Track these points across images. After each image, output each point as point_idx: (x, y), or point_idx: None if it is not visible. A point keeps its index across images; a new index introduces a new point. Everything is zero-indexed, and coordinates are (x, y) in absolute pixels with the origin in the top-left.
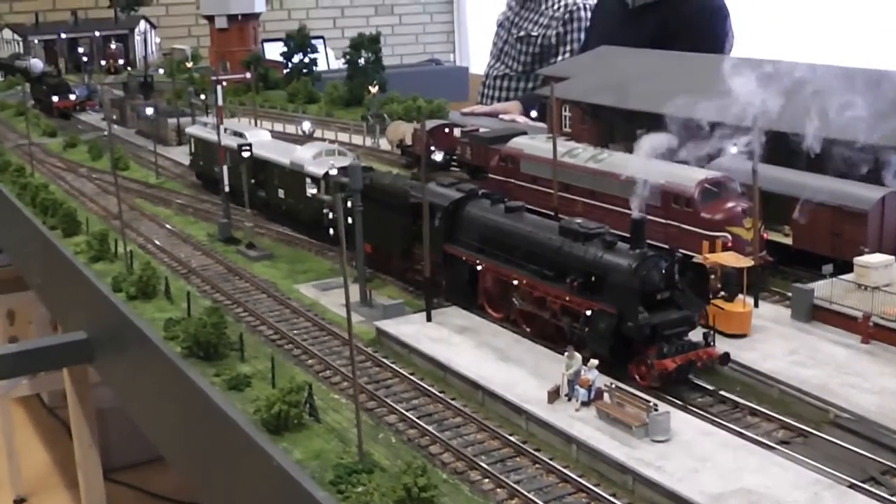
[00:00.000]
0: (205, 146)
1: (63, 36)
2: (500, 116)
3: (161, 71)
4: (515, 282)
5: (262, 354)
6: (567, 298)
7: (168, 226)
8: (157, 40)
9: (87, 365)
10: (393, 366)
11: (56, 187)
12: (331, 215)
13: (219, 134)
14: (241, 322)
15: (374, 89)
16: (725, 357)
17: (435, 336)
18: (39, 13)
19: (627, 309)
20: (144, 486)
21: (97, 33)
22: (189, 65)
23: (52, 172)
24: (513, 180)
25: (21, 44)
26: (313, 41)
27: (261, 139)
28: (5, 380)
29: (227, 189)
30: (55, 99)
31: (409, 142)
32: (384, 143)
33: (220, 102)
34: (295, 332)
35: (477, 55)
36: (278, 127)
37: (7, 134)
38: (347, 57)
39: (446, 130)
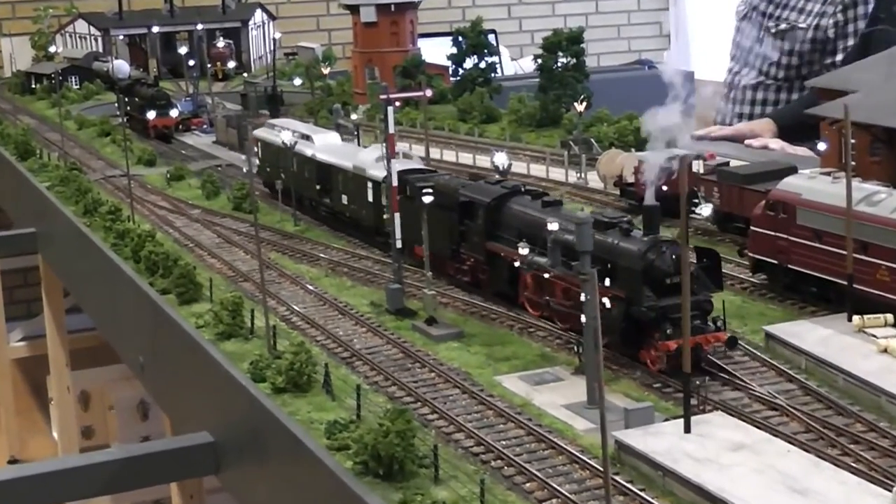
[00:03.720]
0: (272, 151)
1: (155, 30)
2: (747, 141)
3: (297, 81)
4: (547, 275)
5: (463, 473)
6: None
7: (316, 290)
8: (277, 36)
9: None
10: (642, 494)
11: (163, 235)
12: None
13: (389, 173)
14: (429, 427)
15: (580, 106)
16: (733, 341)
17: (699, 454)
18: (123, 0)
19: (634, 292)
20: None
21: (200, 26)
22: (325, 70)
23: (155, 214)
24: (786, 235)
25: (100, 40)
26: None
27: (328, 142)
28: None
29: (399, 244)
30: (151, 115)
31: (629, 178)
32: (593, 178)
33: (391, 129)
34: (503, 442)
35: (701, 55)
36: (449, 156)
37: (90, 161)
38: (539, 62)
39: None
